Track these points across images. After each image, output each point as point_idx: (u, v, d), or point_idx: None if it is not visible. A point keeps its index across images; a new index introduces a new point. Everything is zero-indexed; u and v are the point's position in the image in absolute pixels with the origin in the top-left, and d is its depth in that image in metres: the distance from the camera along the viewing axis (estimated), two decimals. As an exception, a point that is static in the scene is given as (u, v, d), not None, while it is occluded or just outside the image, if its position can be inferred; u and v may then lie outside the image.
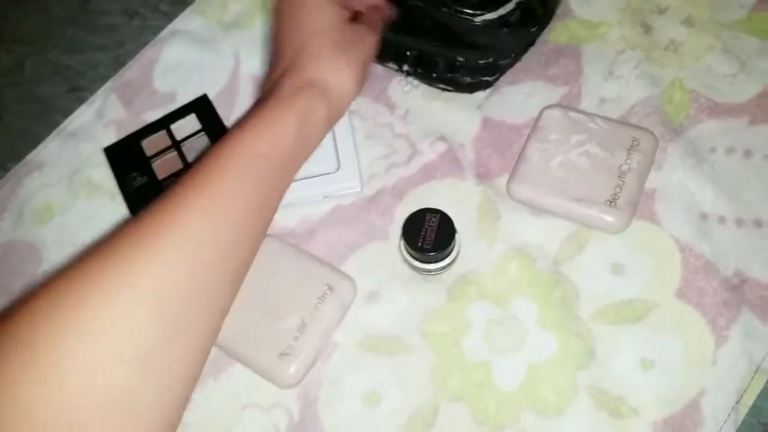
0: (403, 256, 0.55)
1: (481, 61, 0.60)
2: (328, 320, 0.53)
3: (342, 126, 0.61)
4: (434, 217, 0.53)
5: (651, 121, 0.59)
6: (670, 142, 0.58)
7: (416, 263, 0.54)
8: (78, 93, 0.71)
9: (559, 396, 0.51)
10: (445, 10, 0.58)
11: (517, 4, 0.57)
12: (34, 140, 0.68)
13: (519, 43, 0.62)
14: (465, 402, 0.52)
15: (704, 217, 0.56)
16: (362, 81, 0.49)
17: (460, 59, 0.60)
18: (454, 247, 0.54)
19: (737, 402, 0.50)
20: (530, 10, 0.60)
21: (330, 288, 0.54)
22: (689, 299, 0.53)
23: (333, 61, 0.47)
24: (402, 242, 0.54)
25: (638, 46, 0.63)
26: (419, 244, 0.52)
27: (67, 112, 0.69)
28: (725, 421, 0.49)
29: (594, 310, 0.53)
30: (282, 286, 0.55)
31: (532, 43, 0.63)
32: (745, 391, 0.50)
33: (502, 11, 0.58)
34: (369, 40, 0.50)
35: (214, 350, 0.55)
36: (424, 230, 0.52)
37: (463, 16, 0.58)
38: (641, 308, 0.53)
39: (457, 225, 0.56)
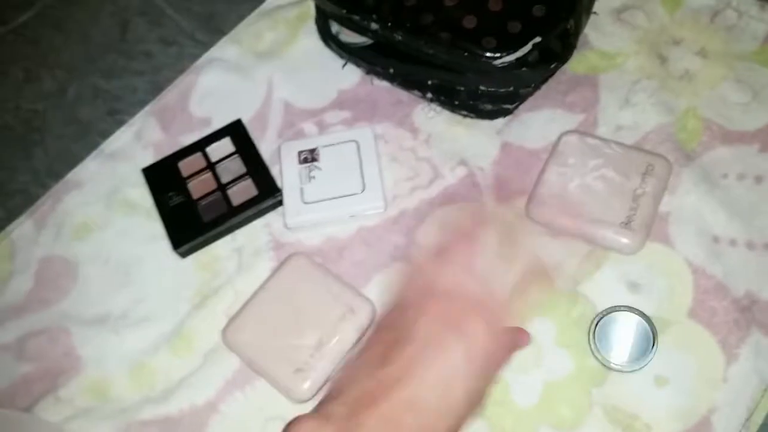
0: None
1: (501, 90, 0.62)
2: (344, 341, 0.55)
3: (367, 149, 0.64)
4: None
5: (665, 148, 0.61)
6: (683, 168, 0.60)
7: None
8: (117, 116, 0.75)
9: (575, 412, 0.53)
10: (466, 54, 0.60)
11: (534, 45, 0.60)
12: (73, 160, 0.71)
13: (538, 77, 0.64)
14: (482, 418, 0.54)
15: (716, 239, 0.58)
16: None
17: (482, 88, 0.63)
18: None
19: (747, 419, 0.51)
20: (549, 49, 0.62)
21: (350, 310, 0.56)
22: (701, 319, 0.55)
23: None
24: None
25: (654, 76, 0.66)
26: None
27: (106, 134, 0.72)
28: None
29: (610, 329, 0.55)
30: (305, 304, 0.57)
31: (551, 74, 0.65)
32: (755, 408, 0.51)
33: (519, 53, 0.60)
34: None
35: (239, 362, 0.57)
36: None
37: (482, 60, 0.60)
38: (656, 326, 0.55)
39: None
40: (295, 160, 0.65)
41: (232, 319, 0.57)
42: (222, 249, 0.64)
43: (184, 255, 0.64)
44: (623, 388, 0.53)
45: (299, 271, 0.59)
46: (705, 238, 0.58)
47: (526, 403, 0.54)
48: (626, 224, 0.56)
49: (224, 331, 0.57)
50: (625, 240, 0.56)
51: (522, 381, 0.54)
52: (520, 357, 0.54)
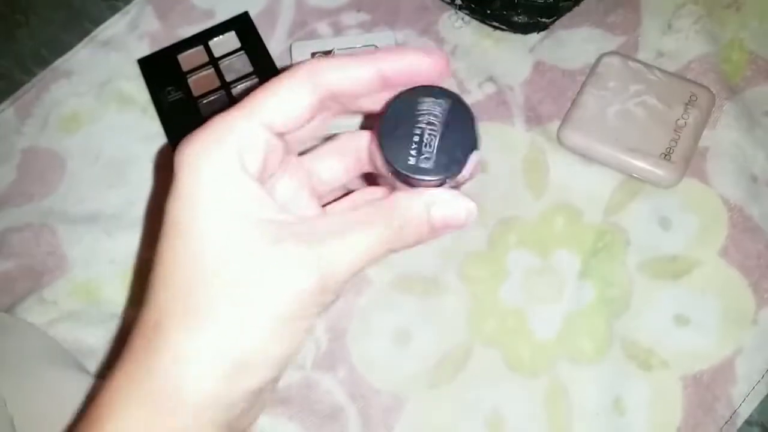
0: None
1: (540, 1, 0.58)
2: None
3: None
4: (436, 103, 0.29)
5: (707, 79, 0.58)
6: (725, 101, 0.57)
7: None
8: (110, 2, 0.68)
9: (595, 344, 0.50)
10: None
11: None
12: (62, 47, 0.65)
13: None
14: (499, 347, 0.51)
15: (754, 179, 0.55)
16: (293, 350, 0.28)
17: (520, -4, 0.58)
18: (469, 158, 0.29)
19: None
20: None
21: None
22: (733, 259, 0.52)
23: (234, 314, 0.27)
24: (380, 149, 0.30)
25: (700, 2, 0.61)
26: (412, 152, 0.29)
27: (97, 21, 0.66)
28: (758, 382, 0.49)
29: (637, 262, 0.53)
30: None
31: (595, -13, 0.60)
32: (781, 355, 0.50)
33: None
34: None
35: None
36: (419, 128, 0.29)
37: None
38: (684, 265, 0.52)
39: (503, 171, 0.54)
40: (308, 62, 0.60)
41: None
42: (225, 152, 0.59)
43: (183, 156, 0.59)
44: (641, 323, 0.51)
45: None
46: (743, 177, 0.55)
47: (545, 335, 0.51)
48: (666, 155, 0.52)
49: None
50: (663, 172, 0.52)
51: (541, 312, 0.52)
52: (540, 288, 0.52)
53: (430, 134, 0.29)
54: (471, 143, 0.29)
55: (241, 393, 0.27)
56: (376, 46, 0.60)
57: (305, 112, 0.29)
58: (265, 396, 0.29)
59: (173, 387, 0.26)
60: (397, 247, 0.29)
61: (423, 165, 0.29)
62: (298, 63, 0.29)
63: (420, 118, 0.29)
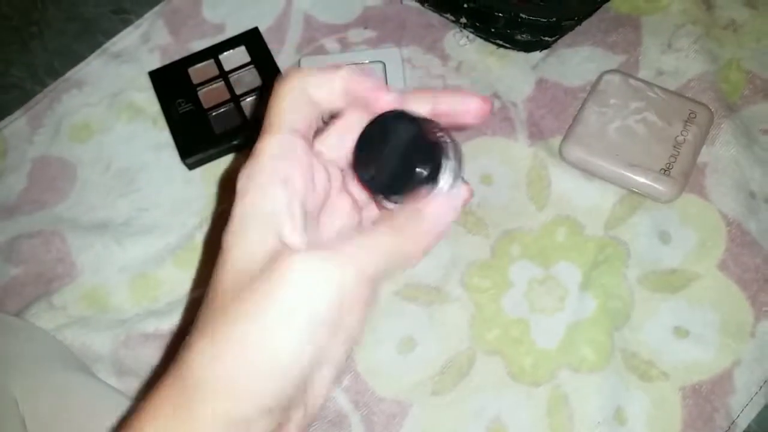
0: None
1: (543, 20, 0.59)
2: None
3: (395, 72, 0.61)
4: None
5: (706, 97, 0.59)
6: (724, 119, 0.58)
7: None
8: (122, 15, 0.69)
9: (597, 354, 0.51)
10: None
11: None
12: (74, 58, 0.66)
13: (585, 9, 0.61)
14: (501, 356, 0.52)
15: (752, 195, 0.56)
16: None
17: (523, 16, 0.59)
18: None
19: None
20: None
21: None
22: (731, 273, 0.53)
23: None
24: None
25: (699, 22, 0.63)
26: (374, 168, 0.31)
27: (109, 34, 0.68)
28: (756, 393, 0.50)
29: (637, 275, 0.54)
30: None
31: (598, 8, 0.62)
32: (779, 368, 0.51)
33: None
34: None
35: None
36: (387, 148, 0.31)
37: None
38: (683, 279, 0.53)
39: (506, 184, 0.55)
40: (316, 77, 0.61)
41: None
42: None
43: (192, 167, 0.60)
44: (641, 336, 0.52)
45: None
46: (742, 193, 0.56)
47: (547, 344, 0.52)
48: (666, 171, 0.54)
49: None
50: (663, 187, 0.54)
51: (543, 322, 0.53)
52: (543, 299, 0.53)
53: (390, 156, 0.31)
54: (418, 175, 0.30)
55: (253, 409, 0.27)
56: (383, 62, 0.61)
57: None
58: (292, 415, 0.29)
59: (196, 400, 0.27)
60: (409, 251, 0.30)
61: (378, 180, 0.31)
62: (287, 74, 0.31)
63: (390, 141, 0.31)
